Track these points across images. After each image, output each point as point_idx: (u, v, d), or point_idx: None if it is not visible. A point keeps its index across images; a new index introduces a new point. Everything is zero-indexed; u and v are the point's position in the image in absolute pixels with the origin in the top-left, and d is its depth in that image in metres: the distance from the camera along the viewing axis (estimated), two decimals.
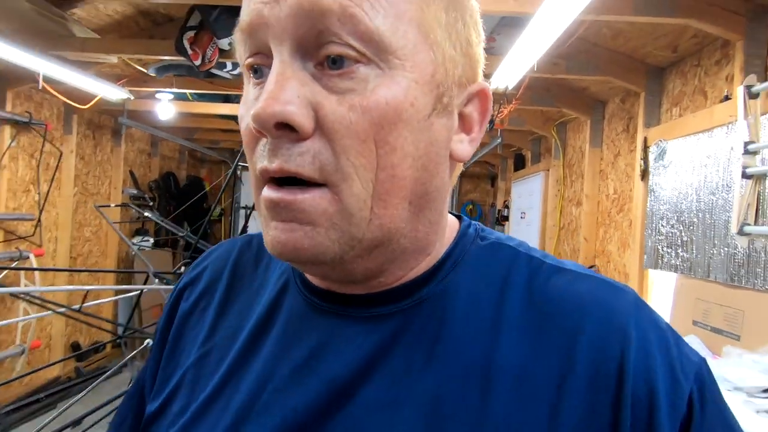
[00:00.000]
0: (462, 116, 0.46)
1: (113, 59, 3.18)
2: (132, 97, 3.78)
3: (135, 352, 2.40)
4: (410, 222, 0.43)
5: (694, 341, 2.04)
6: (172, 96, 4.22)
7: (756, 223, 1.90)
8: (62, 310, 2.74)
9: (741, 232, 1.93)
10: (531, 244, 0.51)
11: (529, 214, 4.91)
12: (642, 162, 2.79)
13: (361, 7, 0.38)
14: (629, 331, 0.42)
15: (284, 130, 0.38)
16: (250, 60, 0.42)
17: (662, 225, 2.57)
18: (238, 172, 6.59)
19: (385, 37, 0.38)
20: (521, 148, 5.29)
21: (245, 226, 5.18)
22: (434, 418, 0.41)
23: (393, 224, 0.42)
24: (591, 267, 3.51)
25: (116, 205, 4.67)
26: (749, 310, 1.94)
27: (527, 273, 0.46)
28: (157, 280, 2.75)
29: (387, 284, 0.46)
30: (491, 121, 3.29)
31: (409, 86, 0.40)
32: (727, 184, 2.10)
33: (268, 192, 0.40)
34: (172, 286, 2.66)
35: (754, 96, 1.92)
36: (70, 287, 3.29)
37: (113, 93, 3.58)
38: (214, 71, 3.22)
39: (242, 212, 6.82)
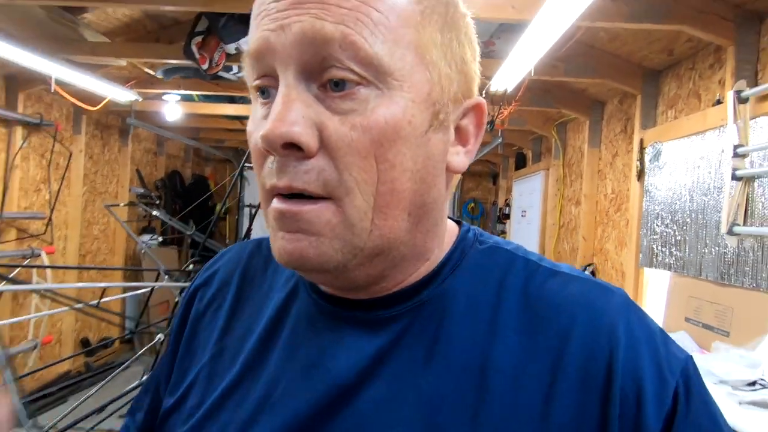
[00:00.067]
0: (458, 129, 0.48)
1: (122, 62, 3.26)
2: (140, 99, 3.84)
3: (147, 346, 2.49)
4: (409, 231, 0.45)
5: (683, 337, 2.11)
6: (179, 97, 4.30)
7: (745, 223, 1.96)
8: (80, 305, 2.81)
9: (731, 232, 1.98)
10: (531, 242, 0.56)
11: (529, 212, 4.91)
12: (638, 163, 2.83)
13: (362, 34, 0.40)
14: (618, 332, 0.43)
15: (291, 149, 0.41)
16: (257, 82, 0.44)
17: (657, 224, 2.62)
18: (244, 172, 6.64)
19: (383, 61, 0.41)
20: (522, 147, 5.31)
21: (250, 228, 5.25)
22: (432, 416, 0.43)
23: (393, 234, 0.44)
24: (589, 265, 3.57)
25: (125, 204, 4.73)
26: (738, 307, 2.00)
27: (523, 276, 0.48)
28: (167, 277, 2.83)
29: (388, 289, 0.48)
30: (491, 122, 3.34)
31: (406, 105, 0.42)
32: (718, 186, 2.15)
33: (277, 204, 0.43)
34: (182, 284, 2.75)
35: (743, 101, 1.98)
36: (88, 284, 3.37)
37: (122, 95, 3.64)
38: (221, 74, 3.29)
39: (247, 210, 6.87)
